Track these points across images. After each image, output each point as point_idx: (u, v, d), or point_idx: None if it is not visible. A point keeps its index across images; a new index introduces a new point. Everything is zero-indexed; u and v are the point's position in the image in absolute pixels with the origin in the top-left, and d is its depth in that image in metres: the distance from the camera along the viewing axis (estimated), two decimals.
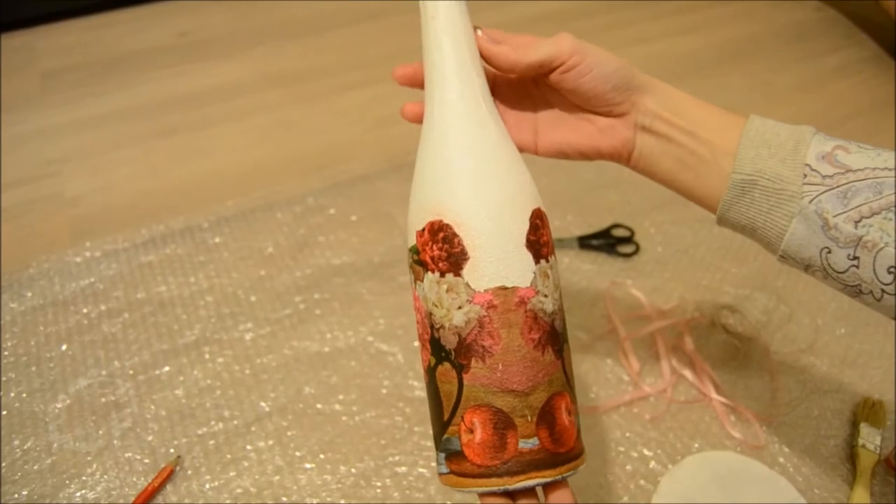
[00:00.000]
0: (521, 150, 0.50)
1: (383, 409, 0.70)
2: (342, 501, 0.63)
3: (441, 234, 0.41)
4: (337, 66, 1.19)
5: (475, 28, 0.46)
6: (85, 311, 0.78)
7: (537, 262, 0.41)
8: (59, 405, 0.69)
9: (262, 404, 0.70)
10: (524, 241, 0.41)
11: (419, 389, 0.71)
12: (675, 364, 0.74)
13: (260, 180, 0.96)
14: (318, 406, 0.70)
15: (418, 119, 0.48)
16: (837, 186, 0.41)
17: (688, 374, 0.73)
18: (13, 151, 1.00)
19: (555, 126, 0.51)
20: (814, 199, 0.42)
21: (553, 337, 0.41)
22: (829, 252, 0.42)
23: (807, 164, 0.43)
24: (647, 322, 0.78)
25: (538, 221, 0.42)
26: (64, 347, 0.74)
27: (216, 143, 1.03)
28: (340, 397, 0.70)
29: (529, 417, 0.40)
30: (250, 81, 1.16)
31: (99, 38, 1.24)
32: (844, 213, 0.41)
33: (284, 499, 0.63)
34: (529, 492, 0.41)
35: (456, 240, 0.41)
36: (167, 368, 0.73)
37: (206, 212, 0.90)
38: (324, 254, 0.85)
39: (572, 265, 0.84)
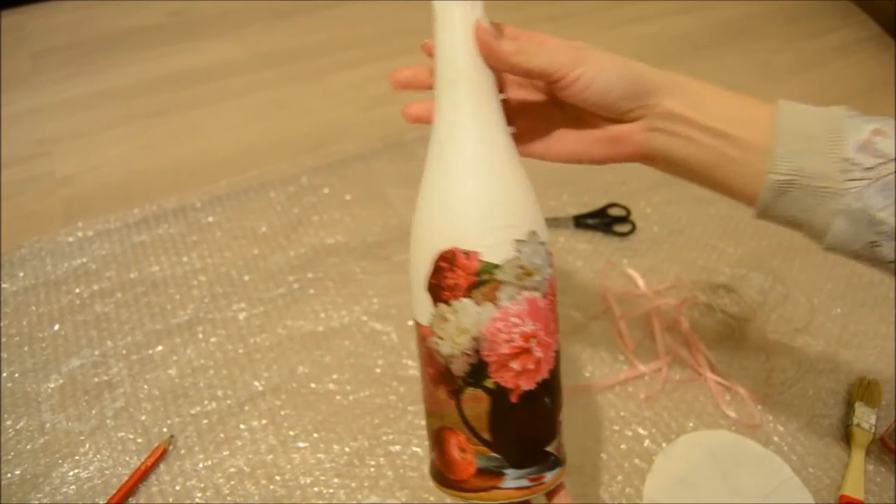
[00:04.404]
0: (535, 157, 0.49)
1: (377, 389, 0.69)
2: (336, 480, 0.63)
3: None
4: (330, 45, 1.18)
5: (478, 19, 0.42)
6: (77, 290, 0.77)
7: (435, 304, 0.41)
8: (51, 385, 0.69)
9: (256, 384, 0.69)
10: (425, 283, 0.41)
11: (413, 369, 0.71)
12: (670, 343, 0.74)
13: (253, 160, 0.95)
14: (312, 385, 0.69)
15: (416, 121, 0.47)
16: (879, 178, 0.40)
17: (683, 353, 0.73)
18: (4, 131, 0.99)
19: (566, 133, 0.48)
20: (857, 195, 0.40)
21: (447, 378, 0.42)
22: (878, 245, 0.41)
23: (846, 159, 0.41)
24: (642, 301, 0.77)
25: (443, 264, 0.40)
26: (56, 327, 0.74)
27: (209, 122, 1.02)
28: (334, 376, 0.70)
29: (428, 434, 0.46)
30: (243, 61, 1.15)
31: (90, 18, 1.23)
32: (889, 205, 0.40)
33: (278, 478, 0.63)
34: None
35: None
36: (160, 348, 0.72)
37: (198, 191, 0.89)
38: (317, 233, 0.84)
39: (567, 244, 0.84)
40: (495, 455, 0.42)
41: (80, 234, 0.83)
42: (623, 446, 0.66)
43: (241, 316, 0.75)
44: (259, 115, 1.04)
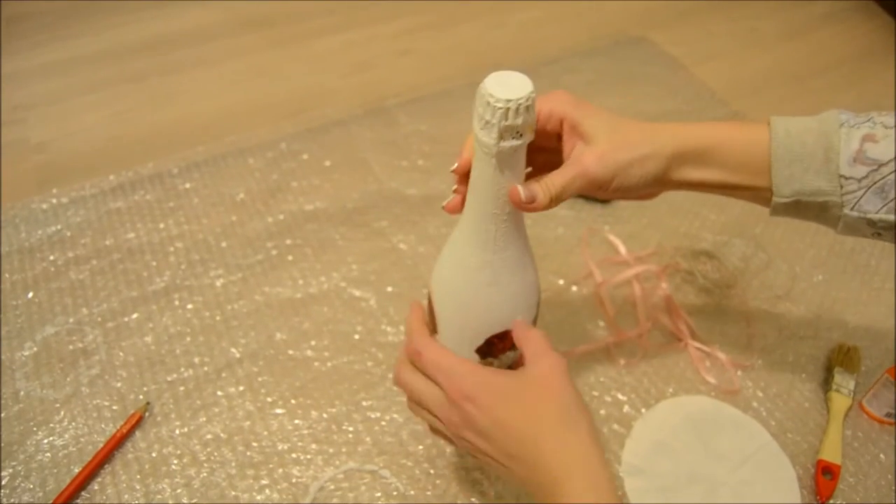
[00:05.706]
0: None
1: (356, 355, 0.69)
2: (313, 446, 0.62)
3: None
4: (311, 10, 1.16)
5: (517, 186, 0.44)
6: (52, 258, 0.76)
7: (483, 357, 0.52)
8: (25, 353, 0.68)
9: (233, 350, 0.69)
10: (473, 346, 0.51)
11: (392, 335, 0.70)
12: (650, 309, 0.73)
13: (232, 126, 0.93)
14: (290, 352, 0.69)
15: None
16: (873, 185, 0.44)
17: (663, 319, 0.73)
18: None
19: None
20: (854, 205, 0.45)
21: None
22: (881, 235, 0.47)
23: (840, 175, 0.45)
24: (623, 268, 0.77)
25: (495, 340, 0.51)
26: (30, 295, 0.73)
27: (187, 88, 1.01)
28: (312, 343, 0.70)
29: None
30: (223, 25, 1.13)
31: None
32: (884, 205, 0.45)
33: (255, 444, 0.62)
34: None
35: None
36: (136, 315, 0.71)
37: (176, 157, 0.88)
38: (296, 199, 0.83)
39: (549, 211, 0.82)
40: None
41: (54, 200, 0.82)
42: (602, 412, 0.66)
43: (219, 283, 0.74)
44: (238, 80, 1.02)
